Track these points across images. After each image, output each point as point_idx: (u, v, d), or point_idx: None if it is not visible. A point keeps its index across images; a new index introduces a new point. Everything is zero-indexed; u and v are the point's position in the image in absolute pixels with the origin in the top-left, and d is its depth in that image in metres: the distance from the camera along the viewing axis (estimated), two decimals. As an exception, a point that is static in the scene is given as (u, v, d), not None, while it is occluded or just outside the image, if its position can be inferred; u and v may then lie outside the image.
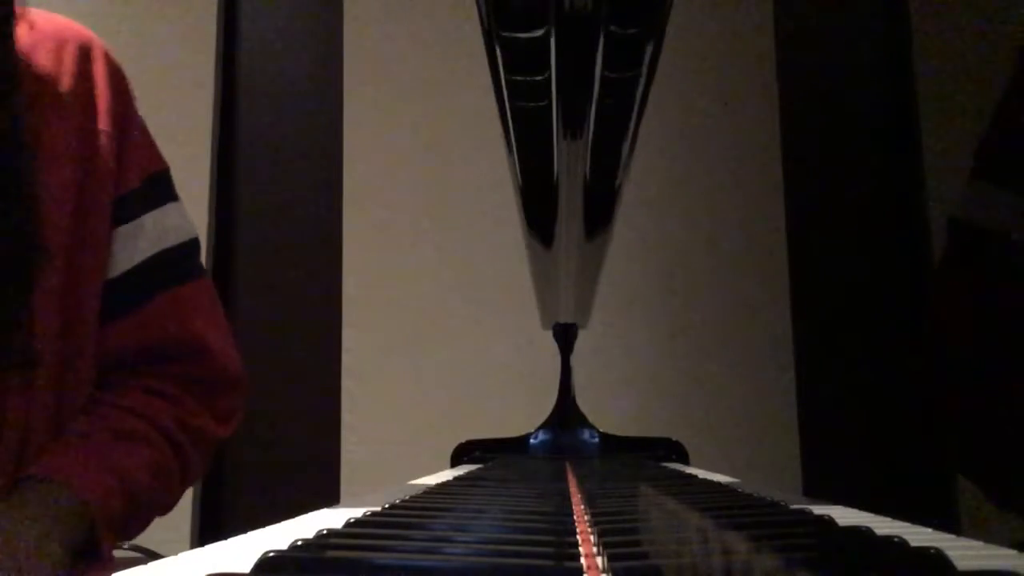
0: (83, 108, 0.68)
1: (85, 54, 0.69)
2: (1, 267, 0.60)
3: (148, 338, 0.70)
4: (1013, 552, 0.27)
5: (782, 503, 0.39)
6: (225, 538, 0.33)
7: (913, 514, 0.36)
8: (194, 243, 0.75)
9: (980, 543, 0.29)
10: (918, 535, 0.30)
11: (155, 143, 0.74)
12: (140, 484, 0.63)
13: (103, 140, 0.68)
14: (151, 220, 0.71)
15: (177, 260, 0.73)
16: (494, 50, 0.36)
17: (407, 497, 0.43)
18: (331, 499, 1.35)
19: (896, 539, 0.26)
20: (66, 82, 0.68)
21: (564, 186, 0.49)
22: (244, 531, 0.35)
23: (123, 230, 0.70)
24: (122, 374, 0.70)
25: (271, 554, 0.24)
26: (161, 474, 0.66)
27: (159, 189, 0.73)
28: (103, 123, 0.68)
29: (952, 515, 1.30)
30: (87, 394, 0.67)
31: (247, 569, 0.24)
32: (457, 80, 1.44)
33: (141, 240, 0.70)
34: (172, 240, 0.72)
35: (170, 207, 0.73)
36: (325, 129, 1.53)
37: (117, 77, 0.71)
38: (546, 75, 0.37)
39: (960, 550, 0.27)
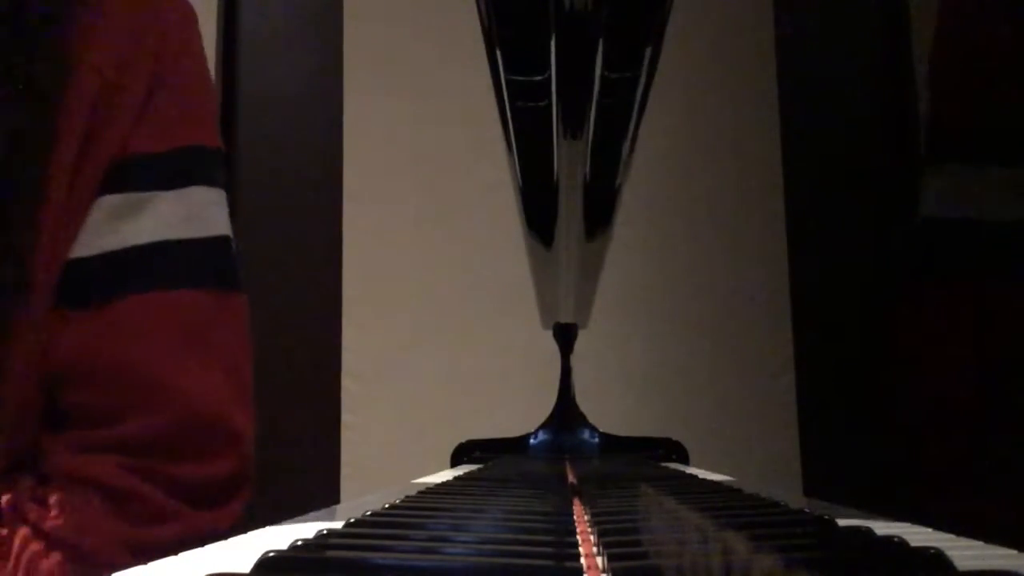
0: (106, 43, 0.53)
1: None
2: None
3: (85, 358, 0.51)
4: (1013, 552, 0.27)
5: (782, 503, 0.39)
6: (225, 538, 0.33)
7: (913, 514, 0.36)
8: (221, 244, 0.57)
9: (980, 543, 0.29)
10: (918, 535, 0.30)
11: (210, 117, 0.59)
12: None
13: (96, 81, 0.52)
14: (163, 200, 0.54)
15: (183, 257, 0.55)
16: (494, 50, 0.36)
17: (407, 497, 0.43)
18: (331, 499, 1.35)
19: (896, 539, 0.26)
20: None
21: (564, 186, 0.49)
22: (244, 531, 0.35)
23: (112, 201, 0.53)
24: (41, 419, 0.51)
25: (271, 554, 0.24)
26: None
27: (189, 166, 0.56)
28: (101, 60, 0.53)
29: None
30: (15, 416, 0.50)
31: (247, 569, 0.24)
32: (457, 80, 1.44)
33: (142, 218, 0.53)
34: (185, 231, 0.55)
35: (197, 191, 0.56)
36: (325, 129, 1.53)
37: (158, 14, 0.56)
38: (546, 75, 0.37)
39: (960, 550, 0.27)
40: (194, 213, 0.56)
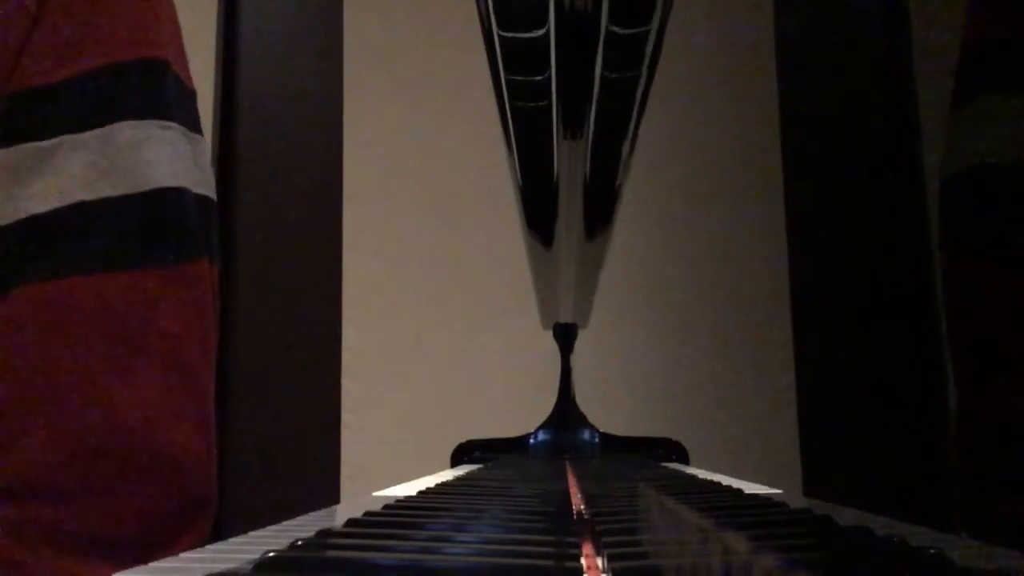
0: None
1: None
2: None
3: None
4: (1013, 552, 0.27)
5: (782, 503, 0.39)
6: (225, 538, 0.33)
7: (913, 514, 0.36)
8: (161, 199, 0.40)
9: (980, 543, 0.29)
10: (918, 535, 0.30)
11: (147, 17, 0.41)
12: None
13: None
14: (73, 148, 0.38)
15: (102, 227, 0.38)
16: (494, 50, 0.36)
17: (407, 497, 0.43)
18: (331, 499, 1.35)
19: (896, 539, 0.26)
20: None
21: (564, 186, 0.49)
22: (244, 531, 0.35)
23: (13, 152, 0.37)
24: None
25: (271, 554, 0.24)
26: None
27: (109, 94, 0.39)
28: None
29: (952, 515, 1.30)
30: None
31: (247, 569, 0.24)
32: (457, 80, 1.44)
33: (43, 177, 0.37)
34: (105, 187, 0.38)
35: (123, 129, 0.38)
36: (325, 129, 1.53)
37: None
38: (546, 75, 0.37)
39: (960, 550, 0.27)
40: (119, 161, 0.40)
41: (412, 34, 1.50)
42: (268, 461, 1.47)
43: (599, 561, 0.26)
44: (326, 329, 1.48)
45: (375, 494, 0.51)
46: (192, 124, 0.44)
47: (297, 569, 0.24)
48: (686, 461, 0.88)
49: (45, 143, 0.38)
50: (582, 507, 0.39)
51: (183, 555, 0.29)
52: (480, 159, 1.40)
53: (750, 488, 0.48)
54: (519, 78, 0.38)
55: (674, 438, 0.89)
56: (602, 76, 0.38)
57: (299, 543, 0.27)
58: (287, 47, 1.58)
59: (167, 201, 0.41)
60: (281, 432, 1.45)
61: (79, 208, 0.39)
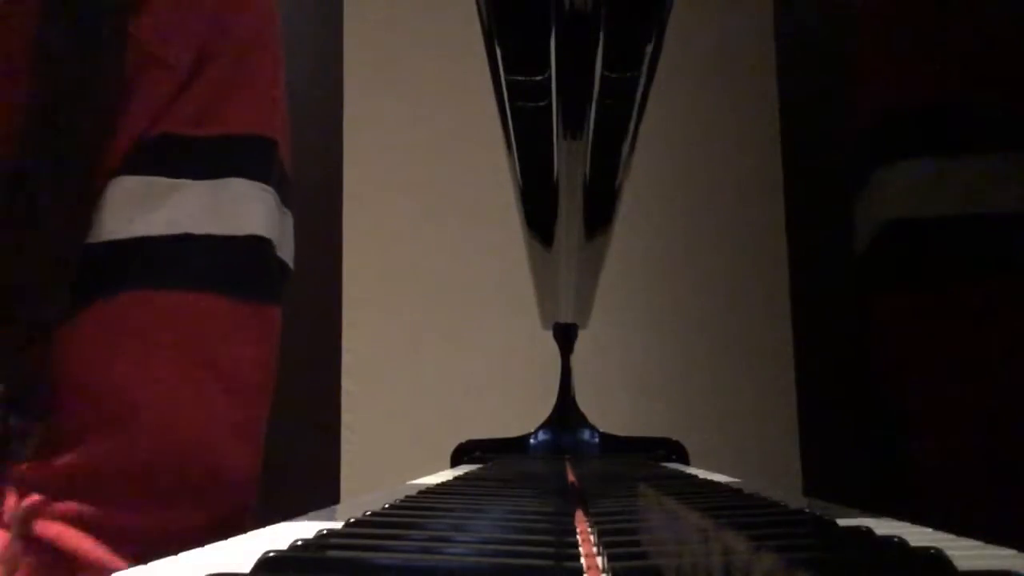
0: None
1: None
2: None
3: (55, 366, 0.42)
4: (1013, 552, 0.27)
5: (782, 503, 0.39)
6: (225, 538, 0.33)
7: (912, 514, 0.36)
8: (253, 245, 0.48)
9: (980, 543, 0.29)
10: (918, 535, 0.30)
11: (270, 105, 0.50)
12: None
13: (134, 51, 0.43)
14: (191, 189, 0.45)
15: (200, 255, 0.46)
16: (494, 50, 0.36)
17: (407, 497, 0.43)
18: (331, 499, 1.35)
19: (896, 539, 0.26)
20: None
21: (564, 186, 0.49)
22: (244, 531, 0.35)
23: (129, 184, 0.44)
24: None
25: (271, 554, 0.24)
26: None
27: (230, 155, 0.48)
28: (144, 30, 0.44)
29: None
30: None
31: (247, 569, 0.24)
32: (457, 80, 1.44)
33: (162, 207, 0.44)
34: (210, 226, 0.46)
35: (235, 184, 0.47)
36: (325, 129, 1.53)
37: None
38: (546, 75, 0.37)
39: (960, 550, 0.27)
40: (225, 207, 0.47)
41: (412, 34, 1.50)
42: (268, 461, 1.47)
43: (599, 561, 0.26)
44: (326, 329, 1.48)
45: (375, 493, 0.51)
46: (285, 201, 0.53)
47: (297, 569, 0.24)
48: (686, 461, 0.88)
49: (171, 180, 0.46)
50: (582, 507, 0.39)
51: (183, 555, 0.29)
52: (480, 159, 1.40)
53: (750, 488, 0.48)
54: (519, 78, 0.38)
55: (674, 438, 0.89)
56: (602, 76, 0.38)
57: (299, 543, 0.27)
58: (287, 47, 1.58)
59: (258, 248, 0.49)
60: (281, 432, 1.45)
61: (185, 238, 0.46)
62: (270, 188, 0.50)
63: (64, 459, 0.43)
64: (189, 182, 0.47)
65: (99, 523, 0.42)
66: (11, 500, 0.43)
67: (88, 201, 0.44)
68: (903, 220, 0.55)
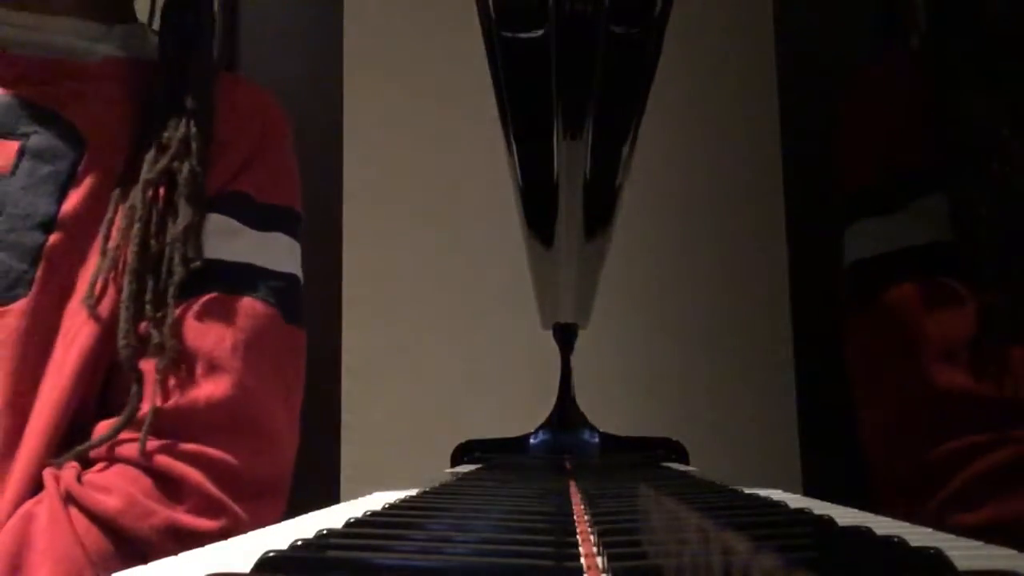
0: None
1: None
2: None
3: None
4: (1013, 552, 0.27)
5: (782, 503, 0.39)
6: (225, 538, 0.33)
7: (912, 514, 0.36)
8: (292, 280, 0.68)
9: (980, 543, 0.29)
10: (918, 535, 0.30)
11: (296, 192, 0.72)
12: None
13: (220, 146, 0.66)
14: (252, 235, 0.66)
15: (259, 278, 0.65)
16: (494, 50, 0.36)
17: (407, 497, 0.43)
18: (331, 499, 1.35)
19: (896, 539, 0.26)
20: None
21: (564, 186, 0.49)
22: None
23: (216, 219, 0.64)
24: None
25: (271, 554, 0.24)
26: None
27: (277, 217, 0.69)
28: (224, 133, 0.66)
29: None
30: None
31: (247, 569, 0.24)
32: (457, 80, 1.44)
33: (234, 241, 0.64)
34: (265, 261, 0.66)
35: (279, 237, 0.68)
36: (325, 129, 1.53)
37: (265, 110, 0.72)
38: (546, 75, 0.37)
39: (960, 550, 0.27)
40: (273, 252, 0.67)
41: (412, 34, 1.50)
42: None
43: (599, 561, 0.26)
44: (326, 329, 1.48)
45: (375, 494, 0.51)
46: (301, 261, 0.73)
47: (297, 569, 0.24)
48: (686, 461, 0.88)
49: (239, 224, 0.65)
50: (582, 507, 0.39)
51: (183, 555, 0.29)
52: (480, 159, 1.40)
53: (749, 488, 0.48)
54: (519, 78, 0.38)
55: (674, 438, 0.89)
56: (602, 76, 0.38)
57: (299, 543, 0.27)
58: (287, 47, 1.58)
59: (292, 282, 0.68)
60: (281, 432, 1.45)
61: (246, 265, 0.65)
62: (298, 245, 0.71)
63: (149, 406, 0.56)
64: (251, 230, 0.66)
65: (188, 452, 0.56)
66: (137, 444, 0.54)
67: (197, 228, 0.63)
68: (864, 259, 0.74)
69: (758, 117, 1.44)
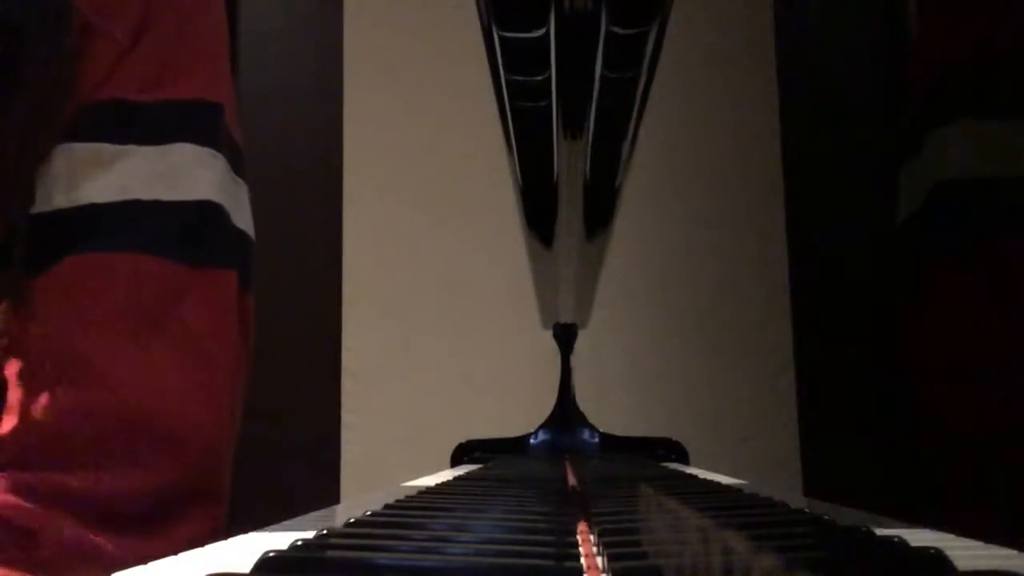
0: None
1: None
2: None
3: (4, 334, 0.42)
4: (1013, 552, 0.27)
5: (782, 503, 0.39)
6: (225, 538, 0.33)
7: (913, 514, 0.36)
8: (202, 209, 0.49)
9: (980, 543, 0.29)
10: (918, 535, 0.30)
11: (214, 68, 0.52)
12: None
13: (74, 21, 0.45)
14: (137, 155, 0.47)
15: (147, 219, 0.46)
16: (494, 50, 0.36)
17: (407, 497, 0.43)
18: (331, 499, 1.35)
19: (896, 539, 0.26)
20: None
21: (564, 186, 0.49)
22: (244, 530, 0.35)
23: (74, 151, 0.45)
24: None
25: (271, 554, 0.24)
26: None
27: (175, 120, 0.49)
28: (84, 1, 0.46)
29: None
30: None
31: (247, 569, 0.24)
32: (457, 80, 1.44)
33: (107, 174, 0.46)
34: (157, 191, 0.47)
35: (181, 149, 0.48)
36: (325, 129, 1.53)
37: None
38: (546, 75, 0.37)
39: (960, 550, 0.27)
40: (172, 172, 0.48)
41: (412, 34, 1.50)
42: (269, 461, 1.47)
43: (599, 561, 0.26)
44: (326, 329, 1.48)
45: (374, 493, 0.51)
46: (237, 169, 0.52)
47: (297, 569, 0.24)
48: (686, 461, 0.88)
49: (115, 146, 0.46)
50: (582, 507, 0.39)
51: (183, 555, 0.29)
52: (480, 159, 1.40)
53: (750, 488, 0.48)
54: (519, 78, 0.38)
55: (674, 438, 0.89)
56: (602, 76, 0.38)
57: (299, 543, 0.27)
58: (287, 47, 1.58)
59: (207, 212, 0.49)
60: (281, 432, 1.45)
61: (133, 204, 0.46)
62: (219, 154, 0.50)
63: (7, 426, 0.43)
64: (135, 147, 0.47)
65: (46, 490, 0.42)
66: None
67: (30, 171, 0.44)
68: (962, 180, 0.53)
69: (758, 117, 1.45)
